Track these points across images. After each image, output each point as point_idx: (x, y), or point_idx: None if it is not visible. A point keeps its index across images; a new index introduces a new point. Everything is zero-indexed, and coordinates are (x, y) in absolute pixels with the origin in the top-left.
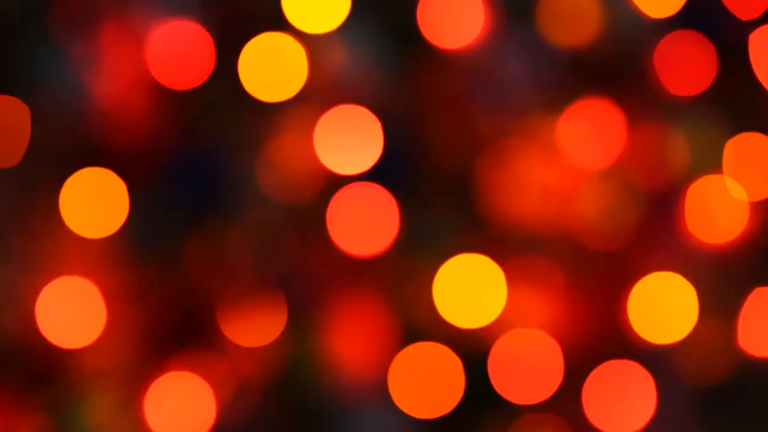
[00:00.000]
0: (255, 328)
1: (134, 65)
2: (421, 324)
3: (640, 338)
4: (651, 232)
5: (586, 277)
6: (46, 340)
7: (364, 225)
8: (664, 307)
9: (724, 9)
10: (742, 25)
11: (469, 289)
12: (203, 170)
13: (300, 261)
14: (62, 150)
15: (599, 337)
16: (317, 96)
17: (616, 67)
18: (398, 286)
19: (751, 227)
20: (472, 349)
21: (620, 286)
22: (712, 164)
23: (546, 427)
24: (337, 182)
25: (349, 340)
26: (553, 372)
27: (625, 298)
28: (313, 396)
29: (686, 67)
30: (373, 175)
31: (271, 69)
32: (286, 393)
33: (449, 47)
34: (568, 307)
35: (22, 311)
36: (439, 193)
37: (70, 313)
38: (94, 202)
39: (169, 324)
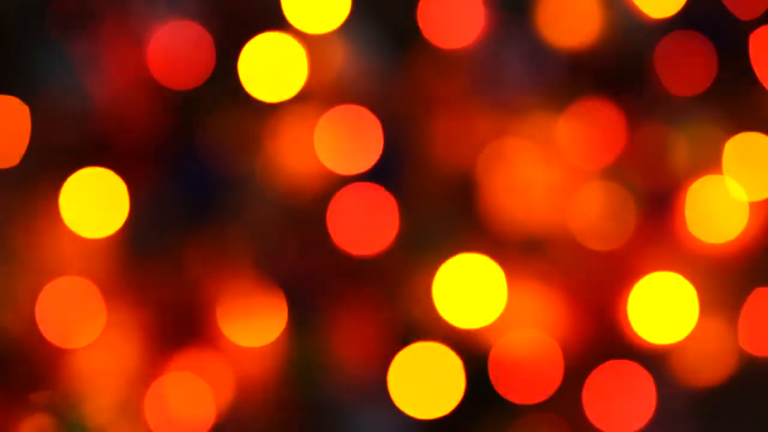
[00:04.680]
0: (255, 328)
1: (134, 65)
2: (421, 324)
3: (640, 338)
4: (651, 232)
5: (586, 277)
6: (46, 340)
7: (364, 225)
8: (664, 307)
9: (724, 9)
10: (742, 25)
11: (469, 289)
12: (203, 170)
13: (300, 261)
14: (62, 150)
15: (599, 337)
16: (317, 96)
17: (616, 67)
18: (398, 286)
19: (751, 227)
20: (472, 349)
21: (620, 286)
22: (712, 164)
23: (546, 427)
24: (337, 182)
25: (349, 340)
26: (553, 372)
27: (625, 298)
28: (313, 396)
29: (686, 67)
30: (373, 175)
31: (271, 69)
32: (286, 393)
33: (449, 47)
34: (568, 307)
35: (22, 311)
36: (439, 193)
37: (70, 313)
38: (94, 202)
39: (169, 324)
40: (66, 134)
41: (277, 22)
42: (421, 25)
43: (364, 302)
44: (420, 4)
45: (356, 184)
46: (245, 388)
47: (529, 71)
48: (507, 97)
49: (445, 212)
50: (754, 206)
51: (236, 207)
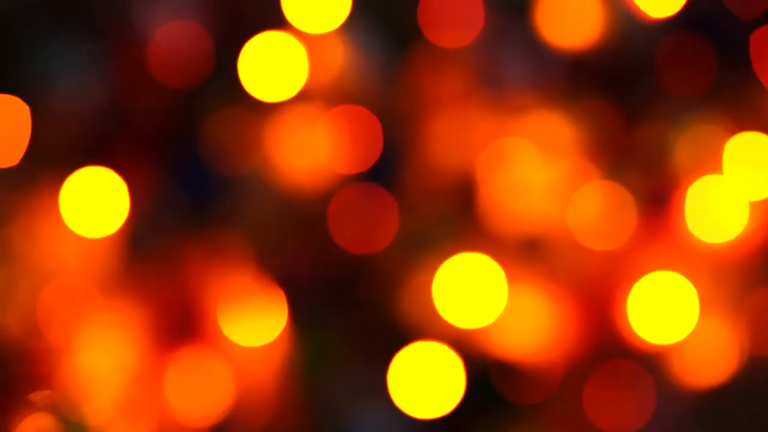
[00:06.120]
0: (255, 328)
1: (134, 65)
2: (421, 324)
3: (640, 338)
4: (651, 232)
5: (586, 277)
6: (46, 340)
7: (363, 225)
8: (664, 307)
9: (724, 9)
10: (742, 25)
11: (469, 289)
12: (203, 170)
13: (300, 261)
14: (62, 150)
15: (599, 337)
16: (317, 96)
17: (616, 67)
18: (398, 286)
19: (751, 227)
20: (472, 349)
21: (620, 286)
22: (712, 164)
23: (546, 427)
24: (337, 182)
25: (349, 339)
26: (553, 372)
27: (625, 298)
28: (313, 396)
29: (686, 67)
30: (373, 175)
31: (271, 69)
32: (286, 393)
33: (449, 47)
34: (568, 307)
35: (22, 311)
36: (439, 192)
37: (70, 313)
38: (94, 202)
39: (169, 324)
40: (66, 134)
41: (277, 22)
42: (421, 24)
43: (364, 302)
44: (420, 4)
45: (356, 184)
46: (245, 388)
47: (529, 71)
48: (507, 97)
49: (445, 212)
50: (754, 206)
51: (236, 207)
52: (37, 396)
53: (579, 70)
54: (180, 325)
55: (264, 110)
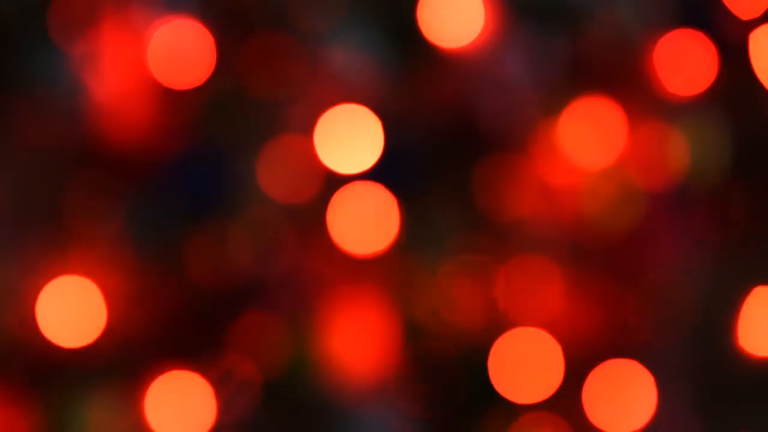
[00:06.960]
0: (255, 328)
1: (134, 65)
2: (421, 324)
3: (640, 338)
4: (651, 231)
5: (586, 277)
6: (46, 340)
7: (364, 225)
8: (663, 306)
9: (724, 9)
10: (742, 25)
11: (468, 288)
12: (203, 170)
13: (300, 261)
14: (62, 150)
15: (599, 337)
16: (317, 96)
17: (616, 67)
18: (398, 286)
19: (751, 223)
20: (472, 349)
21: (620, 285)
22: (712, 164)
23: (546, 427)
24: (337, 182)
25: (349, 340)
26: (553, 372)
27: (626, 298)
28: (313, 396)
29: (686, 67)
30: (373, 175)
31: (271, 68)
32: (286, 393)
33: (450, 47)
34: (568, 307)
35: (22, 311)
36: (439, 193)
37: (70, 313)
38: (95, 203)
39: (169, 324)
40: (66, 134)
41: (278, 21)
42: (421, 25)
43: (364, 302)
44: (420, 4)
45: (356, 183)
46: (245, 388)
47: (530, 71)
48: (507, 97)
49: (446, 212)
50: (754, 203)
51: (236, 207)
52: (37, 396)
53: (579, 70)
54: (180, 325)
55: (264, 110)
